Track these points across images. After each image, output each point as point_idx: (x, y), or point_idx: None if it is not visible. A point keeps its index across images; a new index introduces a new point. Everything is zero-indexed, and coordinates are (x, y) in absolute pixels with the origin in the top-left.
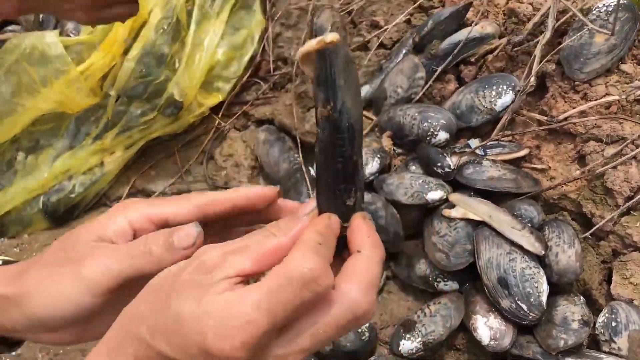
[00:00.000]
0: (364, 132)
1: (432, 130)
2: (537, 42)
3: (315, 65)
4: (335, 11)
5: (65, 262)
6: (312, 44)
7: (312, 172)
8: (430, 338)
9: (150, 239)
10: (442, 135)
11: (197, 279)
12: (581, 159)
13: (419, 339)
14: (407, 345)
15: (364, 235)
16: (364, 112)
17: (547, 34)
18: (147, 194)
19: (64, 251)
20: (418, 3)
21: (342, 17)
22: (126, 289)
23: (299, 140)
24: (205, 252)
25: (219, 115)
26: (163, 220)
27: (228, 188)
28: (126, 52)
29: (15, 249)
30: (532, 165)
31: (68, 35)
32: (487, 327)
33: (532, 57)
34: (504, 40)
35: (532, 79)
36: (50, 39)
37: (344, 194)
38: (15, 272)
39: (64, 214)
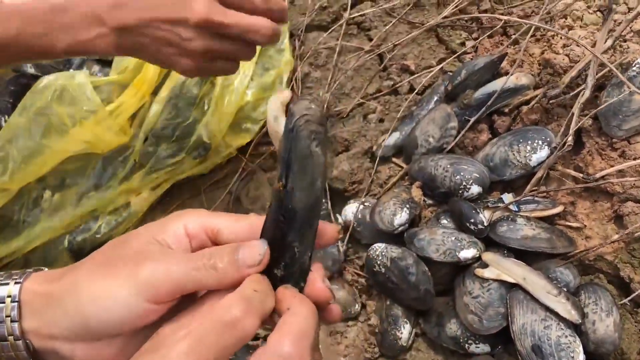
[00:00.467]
0: (394, 180)
1: (464, 183)
2: (574, 96)
3: (280, 143)
4: (314, 103)
5: (120, 261)
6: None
7: (341, 219)
8: None
9: (215, 254)
10: (475, 189)
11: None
12: (618, 219)
13: None
14: None
15: (290, 297)
16: (394, 159)
17: (587, 92)
18: None
19: (119, 249)
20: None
21: (321, 109)
22: (179, 305)
23: (327, 186)
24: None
25: (246, 156)
26: (216, 231)
27: None
28: (155, 92)
29: None
30: (567, 223)
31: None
32: None
33: (570, 114)
34: (539, 92)
35: (570, 139)
36: (80, 80)
37: (274, 262)
38: (60, 271)
39: (89, 253)
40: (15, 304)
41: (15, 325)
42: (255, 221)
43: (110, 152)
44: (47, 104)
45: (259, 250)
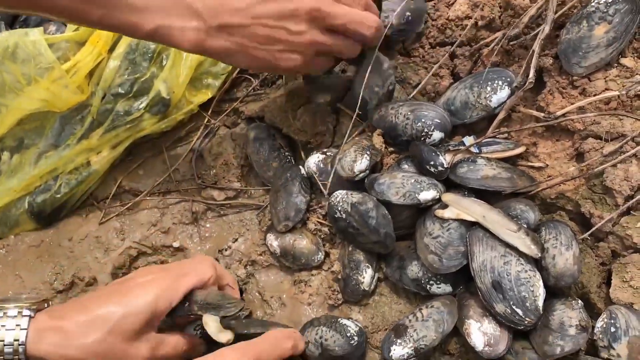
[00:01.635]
0: (355, 133)
1: (426, 130)
2: (535, 36)
3: None
4: None
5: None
6: None
7: (303, 170)
8: (422, 343)
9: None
10: (437, 135)
11: None
12: (579, 157)
13: (411, 344)
14: (399, 350)
15: None
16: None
17: (546, 28)
18: (135, 194)
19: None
20: None
21: None
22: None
23: (289, 138)
24: None
25: (209, 113)
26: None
27: (217, 187)
28: (112, 49)
29: (1, 250)
30: (529, 163)
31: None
32: (481, 333)
33: (530, 52)
34: (499, 34)
35: (531, 75)
36: (34, 37)
37: None
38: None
39: (50, 214)
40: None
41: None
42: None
43: (68, 110)
44: (0, 61)
45: None
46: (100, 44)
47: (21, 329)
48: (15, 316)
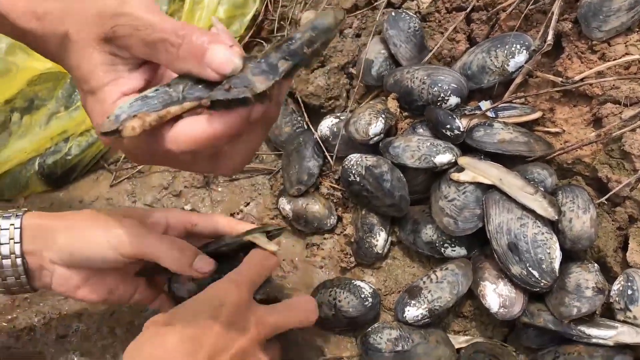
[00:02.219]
0: (370, 97)
1: (442, 94)
2: (553, 0)
3: None
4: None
5: (108, 219)
6: None
7: (317, 135)
8: (436, 305)
9: (179, 245)
10: (453, 100)
11: None
12: (597, 122)
13: (425, 305)
14: (413, 311)
15: None
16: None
17: None
18: None
19: (111, 212)
20: None
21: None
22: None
23: (302, 103)
24: None
25: None
26: (193, 225)
27: None
28: None
29: None
30: (545, 129)
31: None
32: (497, 294)
33: (549, 14)
34: None
35: (550, 37)
36: None
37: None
38: (57, 213)
39: (60, 176)
40: (18, 230)
41: (17, 245)
42: (223, 220)
43: None
44: None
45: (209, 267)
46: None
47: (15, 228)
48: (8, 217)
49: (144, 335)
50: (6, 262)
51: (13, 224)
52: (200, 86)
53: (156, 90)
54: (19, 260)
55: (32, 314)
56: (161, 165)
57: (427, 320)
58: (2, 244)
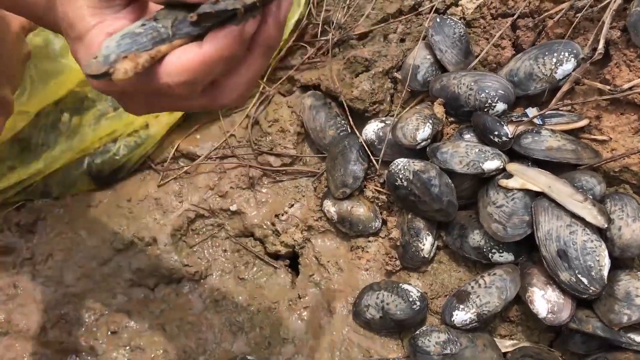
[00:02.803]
0: (415, 101)
1: (489, 101)
2: (602, 9)
3: None
4: None
5: None
6: None
7: (361, 139)
8: (485, 309)
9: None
10: (500, 106)
11: None
12: None
13: (474, 309)
14: (461, 315)
15: None
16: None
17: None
18: (192, 158)
19: None
20: None
21: None
22: None
23: (346, 107)
24: None
25: (264, 80)
26: None
27: (273, 154)
28: None
29: (58, 210)
30: (592, 137)
31: None
32: (545, 300)
33: (600, 23)
34: (565, 5)
35: (601, 46)
36: None
37: None
38: None
39: (108, 175)
40: None
41: None
42: None
43: None
44: None
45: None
46: None
47: None
48: None
49: None
50: None
51: None
52: (188, 20)
53: (143, 25)
54: None
55: (82, 309)
56: (158, 112)
57: (475, 324)
58: None
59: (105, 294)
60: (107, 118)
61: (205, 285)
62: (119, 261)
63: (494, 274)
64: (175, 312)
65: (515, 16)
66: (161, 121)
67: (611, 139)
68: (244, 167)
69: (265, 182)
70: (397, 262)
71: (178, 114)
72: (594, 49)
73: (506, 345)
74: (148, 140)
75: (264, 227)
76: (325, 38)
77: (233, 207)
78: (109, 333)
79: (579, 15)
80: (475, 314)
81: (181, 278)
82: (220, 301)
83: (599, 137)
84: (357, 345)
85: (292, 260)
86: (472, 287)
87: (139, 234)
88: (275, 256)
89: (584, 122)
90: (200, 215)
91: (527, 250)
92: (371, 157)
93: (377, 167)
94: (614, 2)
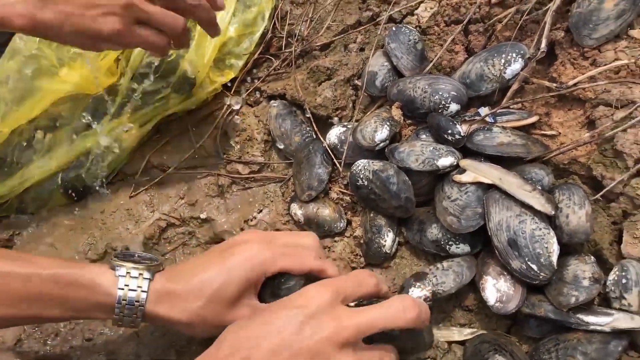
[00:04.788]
0: (373, 108)
1: (443, 102)
2: (546, 9)
3: None
4: None
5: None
6: None
7: (325, 144)
8: (440, 289)
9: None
10: (454, 107)
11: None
12: (591, 124)
13: (429, 287)
14: (417, 292)
15: None
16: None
17: (557, 1)
18: (163, 169)
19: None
20: None
21: None
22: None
23: (310, 114)
24: None
25: (232, 92)
26: None
27: (241, 162)
28: None
29: (34, 225)
30: (542, 132)
31: None
32: (495, 289)
33: (542, 24)
34: (512, 10)
35: (543, 45)
36: None
37: None
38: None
39: (82, 190)
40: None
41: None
42: None
43: (100, 91)
44: (37, 46)
45: None
46: None
47: (142, 291)
48: (137, 277)
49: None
50: (126, 317)
51: (140, 287)
52: None
53: None
54: (139, 314)
55: None
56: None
57: (429, 302)
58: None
59: None
60: (80, 136)
61: None
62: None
63: (452, 261)
64: None
65: (465, 21)
66: (132, 135)
67: (560, 133)
68: (213, 176)
69: (234, 190)
70: (362, 260)
71: (148, 127)
72: (539, 49)
73: (465, 333)
74: (120, 154)
75: (234, 233)
76: (289, 50)
77: (203, 215)
78: (84, 341)
79: (524, 18)
80: (430, 291)
81: None
82: None
83: (549, 132)
84: None
85: None
86: (431, 270)
87: (112, 244)
88: None
89: (533, 119)
90: (172, 224)
91: (482, 241)
92: (334, 160)
93: (340, 169)
94: (554, 3)
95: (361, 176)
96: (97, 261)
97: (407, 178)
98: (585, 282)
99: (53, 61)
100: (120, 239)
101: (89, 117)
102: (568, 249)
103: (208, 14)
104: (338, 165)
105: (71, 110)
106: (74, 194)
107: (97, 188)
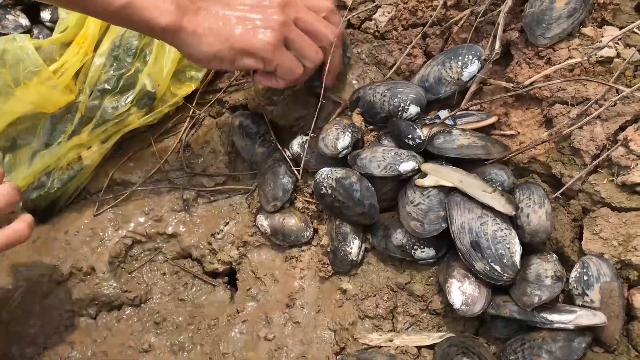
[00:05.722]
0: (336, 112)
1: (402, 105)
2: (500, 10)
3: None
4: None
5: None
6: None
7: (289, 153)
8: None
9: None
10: (413, 110)
11: None
12: (548, 122)
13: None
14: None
15: None
16: (331, 95)
17: (509, 2)
18: (126, 185)
19: None
20: None
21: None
22: None
23: (272, 123)
24: None
25: (193, 104)
26: None
27: (206, 175)
28: (96, 48)
29: None
30: (502, 132)
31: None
32: (461, 292)
33: (496, 25)
34: (467, 12)
35: (497, 46)
36: (21, 42)
37: None
38: None
39: (45, 209)
40: None
41: None
42: None
43: (59, 110)
44: None
45: None
46: (87, 44)
47: None
48: None
49: None
50: None
51: None
52: None
53: None
54: None
55: (24, 345)
56: None
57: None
58: None
59: (48, 327)
60: (40, 155)
61: (146, 309)
62: (59, 293)
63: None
64: (116, 337)
65: (425, 26)
66: (94, 152)
67: (519, 132)
68: (177, 190)
69: (200, 203)
70: (329, 268)
71: (109, 144)
72: (493, 50)
73: (434, 337)
74: (81, 172)
75: (201, 247)
76: None
77: (169, 231)
78: None
79: (479, 19)
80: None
81: (121, 304)
82: (160, 323)
83: (508, 132)
84: (292, 351)
85: (231, 277)
86: None
87: (77, 264)
88: (214, 274)
89: (492, 120)
90: (138, 241)
91: (447, 244)
92: (293, 169)
93: (299, 177)
94: (505, 5)
95: (325, 184)
96: (62, 284)
97: (370, 185)
98: (548, 281)
99: (8, 81)
100: (85, 259)
101: (49, 136)
102: (530, 248)
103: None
104: (297, 174)
105: (30, 129)
106: (36, 215)
107: (60, 208)
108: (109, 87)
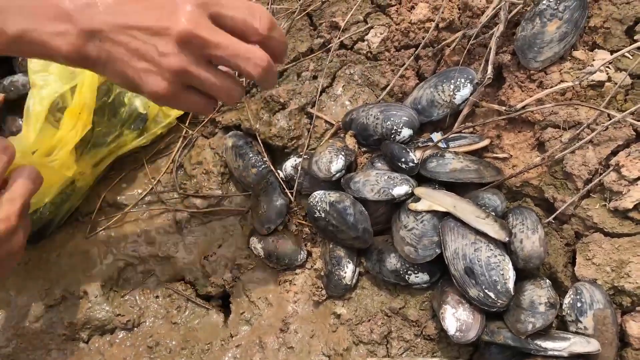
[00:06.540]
0: (329, 134)
1: (395, 128)
2: (492, 34)
3: None
4: None
5: None
6: None
7: (282, 174)
8: None
9: None
10: (406, 132)
11: None
12: (541, 146)
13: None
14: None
15: None
16: (322, 116)
17: (501, 26)
18: (119, 207)
19: None
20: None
21: None
22: None
23: (266, 145)
24: None
25: (186, 124)
26: None
27: (199, 196)
28: None
29: None
30: (494, 155)
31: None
32: (455, 318)
33: (488, 49)
34: (459, 34)
35: (489, 70)
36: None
37: None
38: None
39: (37, 233)
40: None
41: None
42: None
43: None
44: None
45: None
46: (85, 115)
47: None
48: None
49: None
50: None
51: None
52: None
53: None
54: None
55: None
56: None
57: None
58: None
59: (39, 351)
60: None
61: (139, 332)
62: (51, 317)
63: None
64: None
65: (418, 47)
66: (86, 175)
67: (511, 155)
68: (170, 211)
69: (193, 225)
70: (323, 292)
71: (102, 167)
72: (486, 73)
73: None
74: (74, 195)
75: (194, 269)
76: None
77: (162, 253)
78: None
79: (471, 42)
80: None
81: (114, 328)
82: (153, 347)
83: (501, 155)
84: None
85: (225, 300)
86: None
87: (69, 288)
88: (207, 297)
89: (485, 142)
90: (130, 264)
91: (441, 269)
92: (287, 191)
93: (292, 200)
94: (498, 29)
95: (318, 208)
96: (54, 307)
97: (363, 208)
98: (542, 308)
99: None
100: (77, 283)
101: None
102: (524, 274)
103: (280, 46)
104: (290, 196)
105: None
106: (28, 238)
107: (52, 231)
108: (101, 114)
